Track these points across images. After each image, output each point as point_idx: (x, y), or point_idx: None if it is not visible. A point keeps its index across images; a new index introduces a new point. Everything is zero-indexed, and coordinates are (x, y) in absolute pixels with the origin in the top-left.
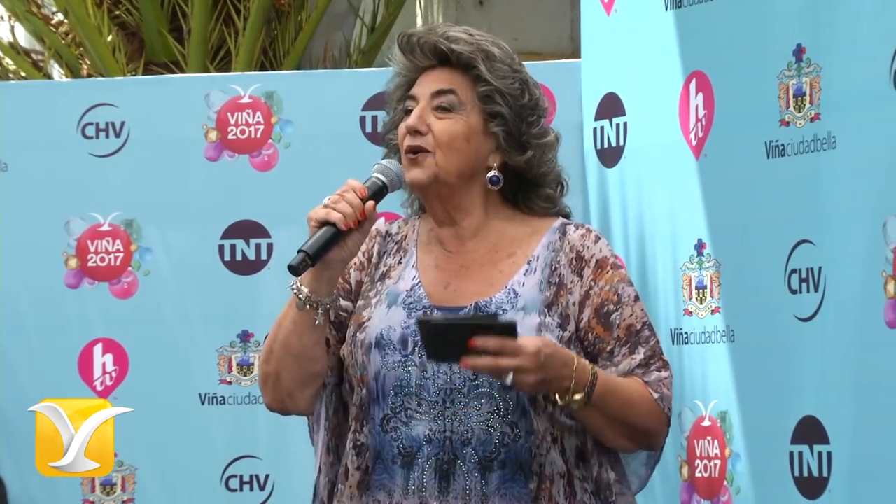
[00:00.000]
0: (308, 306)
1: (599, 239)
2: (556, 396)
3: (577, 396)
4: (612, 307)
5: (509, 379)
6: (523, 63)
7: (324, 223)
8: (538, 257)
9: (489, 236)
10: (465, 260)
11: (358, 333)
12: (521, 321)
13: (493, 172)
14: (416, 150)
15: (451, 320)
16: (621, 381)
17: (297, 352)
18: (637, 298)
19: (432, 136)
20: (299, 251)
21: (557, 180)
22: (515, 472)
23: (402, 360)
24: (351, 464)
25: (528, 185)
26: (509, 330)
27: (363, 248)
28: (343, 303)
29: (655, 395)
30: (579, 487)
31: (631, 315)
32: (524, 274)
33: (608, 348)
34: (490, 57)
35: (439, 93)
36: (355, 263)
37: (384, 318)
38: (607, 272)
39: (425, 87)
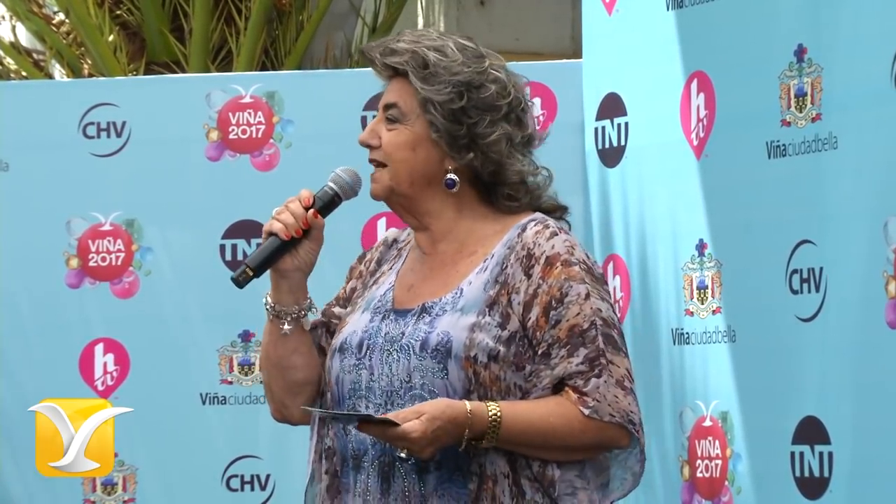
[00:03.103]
0: (273, 316)
1: (555, 235)
2: (461, 447)
3: (482, 443)
4: (554, 304)
5: (404, 453)
6: (485, 58)
7: (269, 234)
8: (494, 255)
9: (459, 236)
10: (435, 262)
11: (333, 339)
12: (457, 321)
13: (448, 176)
14: (373, 165)
15: (337, 414)
16: (538, 412)
17: (275, 361)
18: (589, 296)
19: (382, 148)
20: (242, 263)
21: (521, 178)
22: (453, 472)
23: (357, 363)
24: (321, 468)
25: (491, 184)
26: (389, 422)
27: (368, 256)
28: (337, 310)
29: (586, 411)
30: (528, 487)
31: (578, 314)
32: (476, 273)
33: (544, 349)
34: (425, 64)
35: (386, 106)
36: (356, 273)
37: (355, 323)
38: (556, 269)
39: (382, 98)
